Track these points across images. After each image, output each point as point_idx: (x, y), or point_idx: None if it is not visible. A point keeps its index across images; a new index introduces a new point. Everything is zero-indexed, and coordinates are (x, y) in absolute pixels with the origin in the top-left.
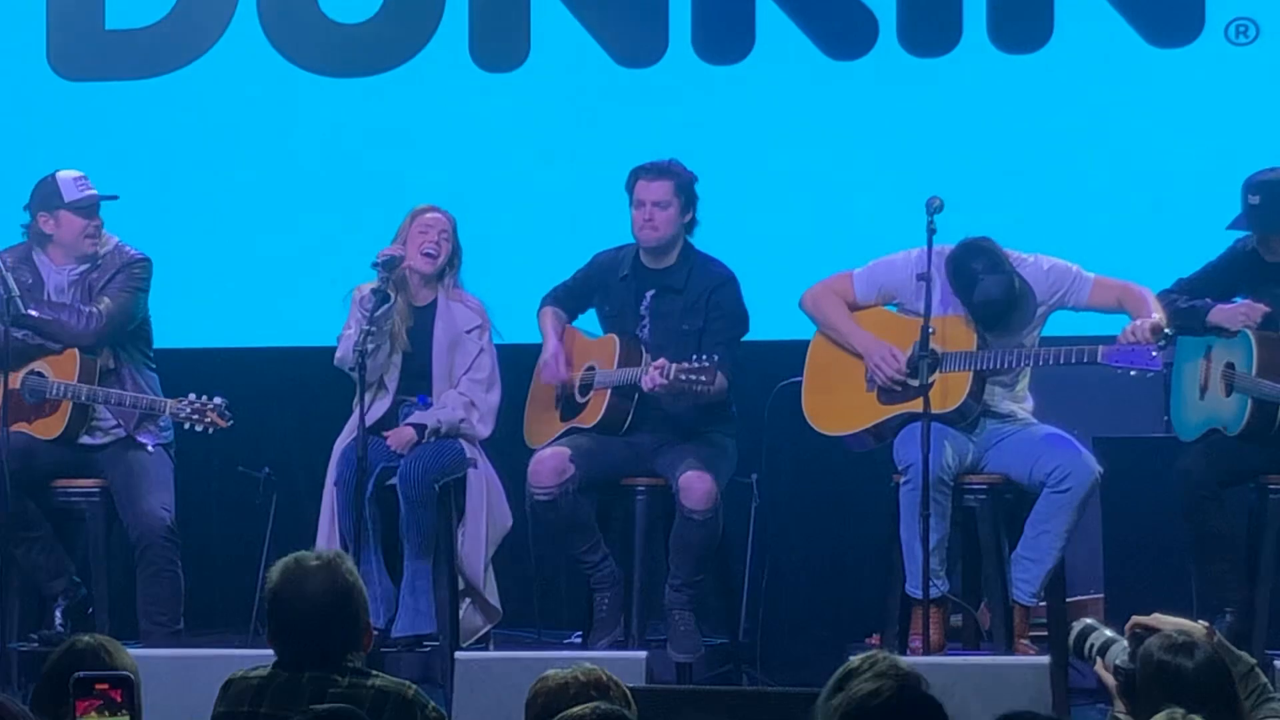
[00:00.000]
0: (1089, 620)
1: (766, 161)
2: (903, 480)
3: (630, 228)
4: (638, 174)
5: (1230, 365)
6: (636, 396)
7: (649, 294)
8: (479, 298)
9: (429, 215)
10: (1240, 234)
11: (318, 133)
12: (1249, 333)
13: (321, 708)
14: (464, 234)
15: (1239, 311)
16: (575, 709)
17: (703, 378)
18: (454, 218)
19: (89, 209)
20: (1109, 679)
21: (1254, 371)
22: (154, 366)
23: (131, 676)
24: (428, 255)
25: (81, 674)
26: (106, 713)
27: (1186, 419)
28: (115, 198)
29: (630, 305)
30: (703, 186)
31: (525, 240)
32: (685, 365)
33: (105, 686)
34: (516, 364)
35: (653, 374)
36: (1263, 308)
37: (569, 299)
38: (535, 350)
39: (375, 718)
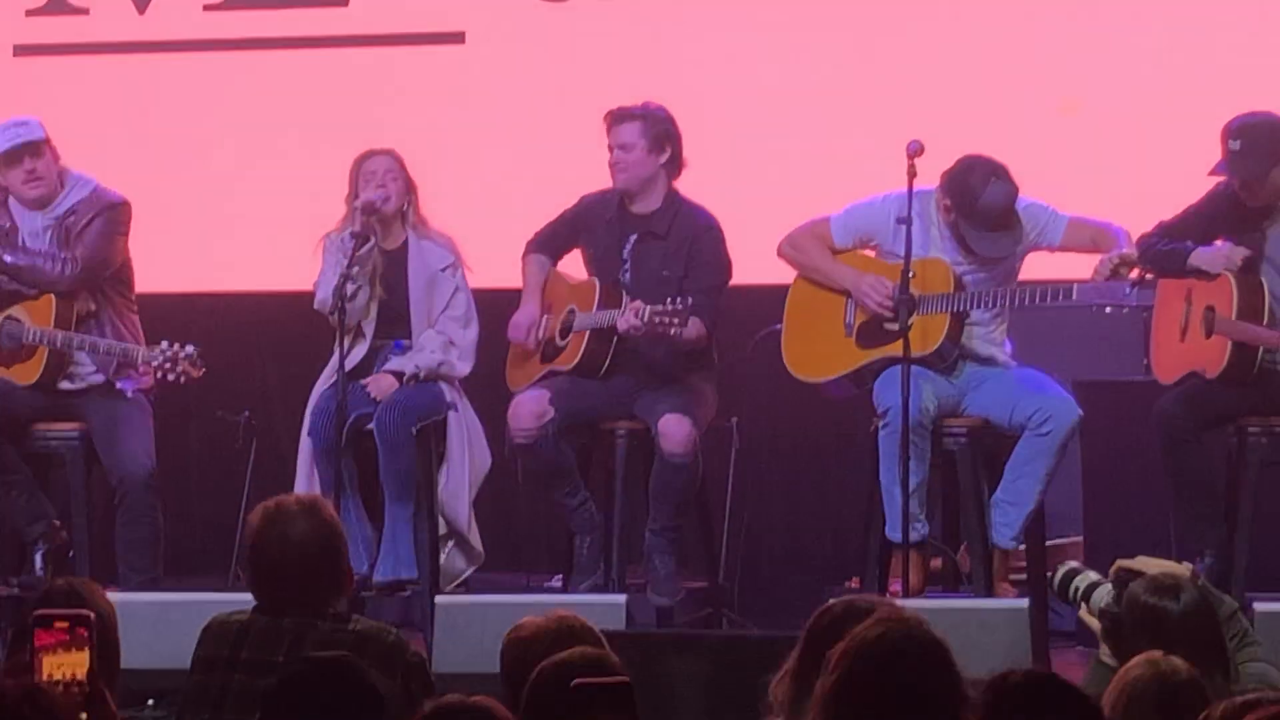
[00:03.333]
0: (1073, 563)
1: (744, 103)
2: (882, 424)
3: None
4: (606, 118)
5: (1210, 308)
6: (614, 340)
7: (631, 238)
8: (453, 237)
9: (371, 161)
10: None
11: (295, 75)
12: (1230, 275)
13: (322, 655)
14: (439, 178)
15: (1220, 254)
16: (560, 654)
17: (675, 320)
18: (399, 154)
19: (14, 157)
20: (1094, 622)
21: (1234, 314)
22: (135, 310)
23: (91, 615)
24: (381, 200)
25: (41, 611)
26: (69, 649)
27: (1166, 362)
28: (44, 139)
29: (613, 249)
30: (680, 127)
31: (505, 182)
32: (659, 308)
33: (66, 624)
34: (496, 308)
35: (628, 315)
36: (1244, 250)
37: (552, 243)
38: (515, 295)
39: None
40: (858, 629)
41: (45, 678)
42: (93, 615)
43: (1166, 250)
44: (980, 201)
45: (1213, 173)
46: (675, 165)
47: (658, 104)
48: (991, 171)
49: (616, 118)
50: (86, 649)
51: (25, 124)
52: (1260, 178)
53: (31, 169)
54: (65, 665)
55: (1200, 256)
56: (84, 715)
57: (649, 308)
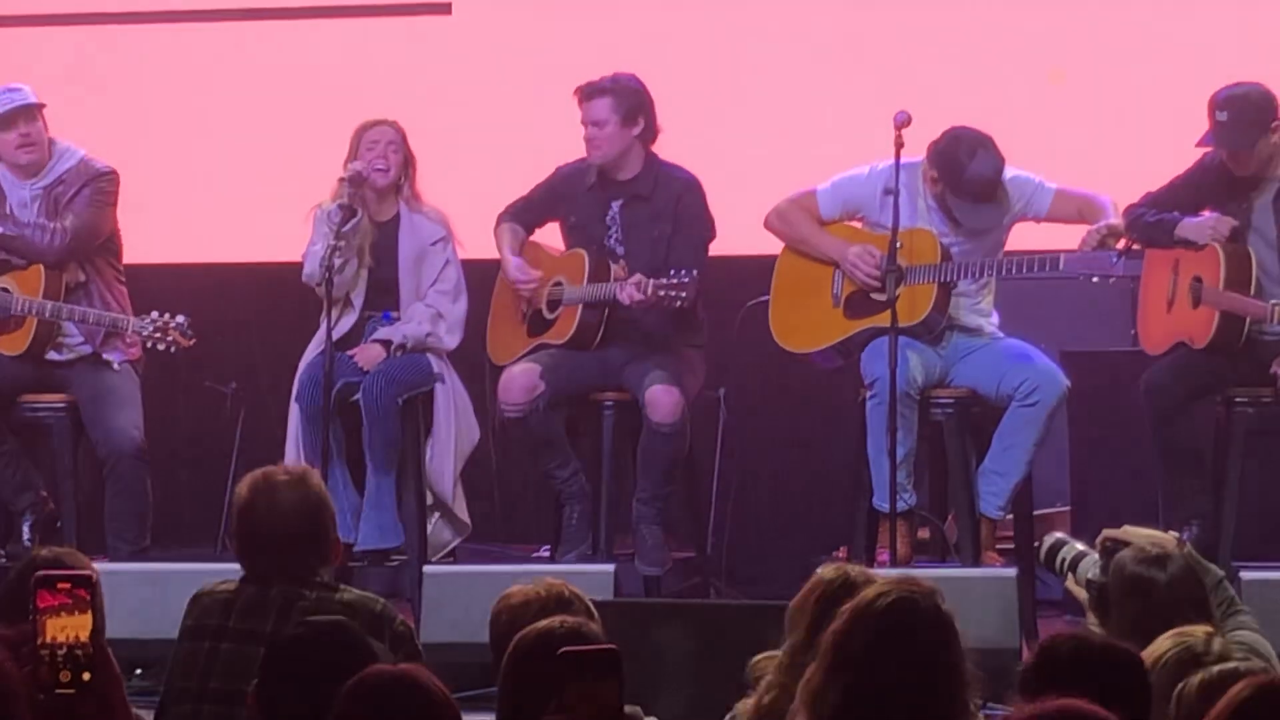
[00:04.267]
0: (1059, 534)
1: (730, 73)
2: (869, 395)
3: None
4: (576, 93)
5: (1198, 279)
6: (606, 311)
7: (616, 204)
8: (441, 209)
9: (373, 130)
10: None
11: (282, 47)
12: (1217, 246)
13: (318, 619)
14: (431, 147)
15: (1207, 225)
16: (541, 623)
17: (683, 293)
18: (401, 127)
19: (7, 121)
20: (1080, 593)
21: (1221, 285)
22: (124, 280)
23: (93, 575)
24: (379, 170)
25: (43, 572)
26: (71, 612)
27: (1153, 332)
28: (42, 104)
29: (596, 215)
30: (667, 100)
31: (491, 154)
32: (663, 281)
33: (68, 585)
34: (480, 280)
35: (630, 289)
36: (1231, 221)
37: (527, 213)
38: (497, 266)
39: None
40: (871, 589)
41: (49, 640)
42: (95, 575)
43: (1154, 221)
44: (967, 174)
45: (1200, 143)
46: (650, 133)
47: (628, 74)
48: (978, 143)
49: (586, 93)
50: (89, 610)
51: (18, 90)
52: (1247, 149)
53: (26, 133)
54: (68, 628)
55: (1187, 227)
56: (86, 676)
57: (651, 281)
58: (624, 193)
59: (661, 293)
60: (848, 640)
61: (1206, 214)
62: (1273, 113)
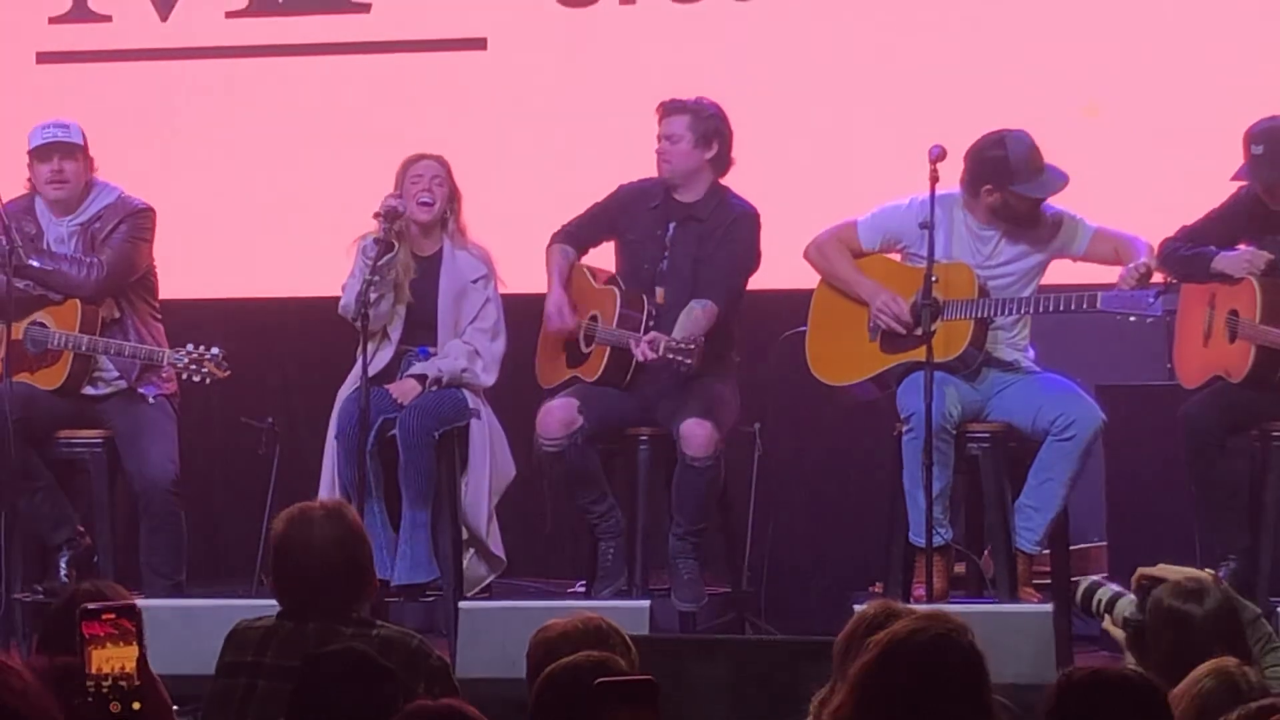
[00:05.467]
0: (1094, 577)
1: (768, 107)
2: (906, 430)
3: (634, 172)
4: (658, 109)
5: (1234, 312)
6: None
7: (672, 225)
8: (484, 245)
9: (419, 164)
10: None
11: (317, 81)
12: (1253, 279)
13: (330, 648)
14: (468, 181)
15: (1243, 259)
16: (568, 658)
17: (688, 360)
18: (447, 161)
19: (46, 153)
20: (1118, 633)
21: (1258, 319)
22: (159, 317)
23: (137, 605)
24: (424, 204)
25: (89, 605)
26: (117, 642)
27: (1190, 366)
28: (79, 144)
29: (653, 234)
30: None
31: (527, 188)
32: (673, 344)
33: (113, 616)
34: (522, 314)
35: (644, 348)
36: (1267, 255)
37: (581, 233)
38: (539, 302)
39: None
40: (900, 623)
41: (96, 671)
42: (139, 605)
43: (1189, 255)
44: (1011, 158)
45: (1235, 177)
46: (722, 162)
47: (711, 101)
48: (997, 136)
49: (667, 109)
50: (134, 641)
51: (66, 126)
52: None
53: (59, 170)
54: (114, 659)
55: (1223, 261)
56: (137, 706)
57: (664, 341)
58: (683, 214)
59: (670, 355)
60: (880, 674)
61: (1242, 247)
62: None
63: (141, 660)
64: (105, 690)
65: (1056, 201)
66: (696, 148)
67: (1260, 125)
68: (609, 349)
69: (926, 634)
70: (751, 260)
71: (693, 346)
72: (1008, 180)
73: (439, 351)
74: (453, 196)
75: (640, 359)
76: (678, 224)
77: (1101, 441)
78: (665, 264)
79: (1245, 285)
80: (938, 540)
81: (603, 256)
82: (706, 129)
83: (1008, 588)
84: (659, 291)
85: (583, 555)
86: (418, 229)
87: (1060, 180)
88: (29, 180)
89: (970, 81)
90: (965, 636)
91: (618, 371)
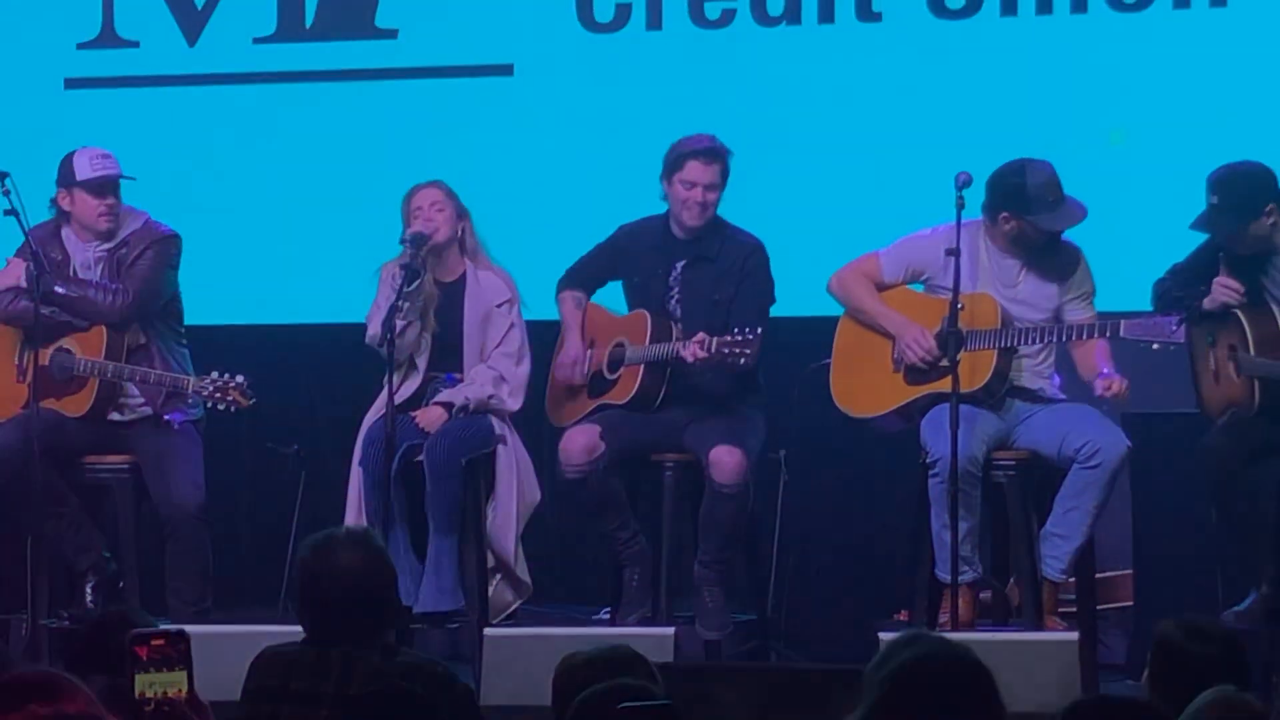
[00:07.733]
0: None
1: (793, 135)
2: (931, 474)
3: (659, 200)
4: (688, 155)
5: (1233, 347)
6: (669, 372)
7: (679, 264)
8: (506, 272)
9: (416, 196)
10: None
11: (344, 107)
12: (1240, 313)
13: (374, 687)
14: (487, 208)
15: (1218, 298)
16: (600, 685)
17: (747, 350)
18: (444, 184)
19: (101, 187)
20: None
21: (1252, 349)
22: (185, 343)
23: (186, 632)
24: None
25: (138, 630)
26: (167, 668)
27: (1208, 401)
28: (132, 179)
29: (658, 275)
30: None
31: (553, 214)
32: (727, 339)
33: (162, 642)
34: (541, 341)
35: (693, 347)
36: (1237, 286)
37: (588, 276)
38: (559, 327)
39: None
40: (900, 652)
41: (138, 695)
42: (187, 632)
43: (1178, 297)
44: (1029, 186)
45: (1194, 226)
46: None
47: (717, 138)
48: (1018, 163)
49: (708, 156)
50: (181, 667)
51: (111, 157)
52: (1238, 235)
53: (111, 204)
54: (158, 683)
55: (1208, 301)
56: None
57: (715, 339)
58: (689, 253)
59: (725, 350)
60: (896, 695)
61: (1216, 280)
62: (1266, 195)
63: (189, 684)
64: (152, 712)
65: (1084, 241)
66: (721, 192)
67: (1217, 173)
68: (641, 370)
69: (916, 653)
70: (770, 294)
71: (751, 337)
72: (1024, 209)
73: (465, 377)
74: (459, 216)
75: (690, 359)
76: (686, 264)
77: (1128, 469)
78: (674, 304)
79: (1234, 320)
80: (964, 578)
81: (612, 296)
82: (728, 172)
83: (1033, 616)
84: (675, 330)
85: (607, 581)
86: (435, 256)
87: (1078, 213)
88: (57, 204)
89: (994, 111)
90: (963, 651)
91: (652, 392)
